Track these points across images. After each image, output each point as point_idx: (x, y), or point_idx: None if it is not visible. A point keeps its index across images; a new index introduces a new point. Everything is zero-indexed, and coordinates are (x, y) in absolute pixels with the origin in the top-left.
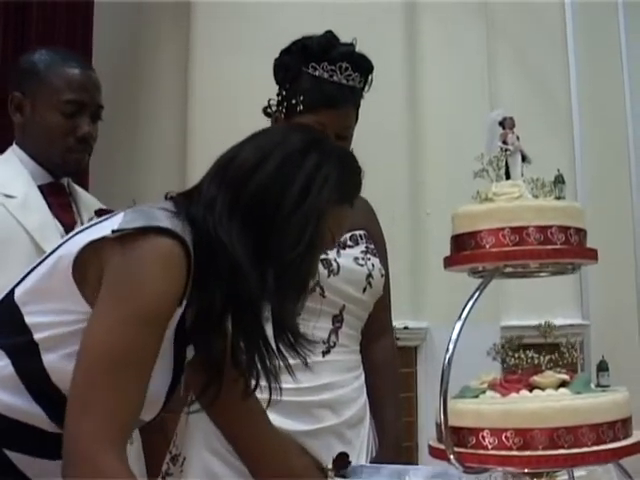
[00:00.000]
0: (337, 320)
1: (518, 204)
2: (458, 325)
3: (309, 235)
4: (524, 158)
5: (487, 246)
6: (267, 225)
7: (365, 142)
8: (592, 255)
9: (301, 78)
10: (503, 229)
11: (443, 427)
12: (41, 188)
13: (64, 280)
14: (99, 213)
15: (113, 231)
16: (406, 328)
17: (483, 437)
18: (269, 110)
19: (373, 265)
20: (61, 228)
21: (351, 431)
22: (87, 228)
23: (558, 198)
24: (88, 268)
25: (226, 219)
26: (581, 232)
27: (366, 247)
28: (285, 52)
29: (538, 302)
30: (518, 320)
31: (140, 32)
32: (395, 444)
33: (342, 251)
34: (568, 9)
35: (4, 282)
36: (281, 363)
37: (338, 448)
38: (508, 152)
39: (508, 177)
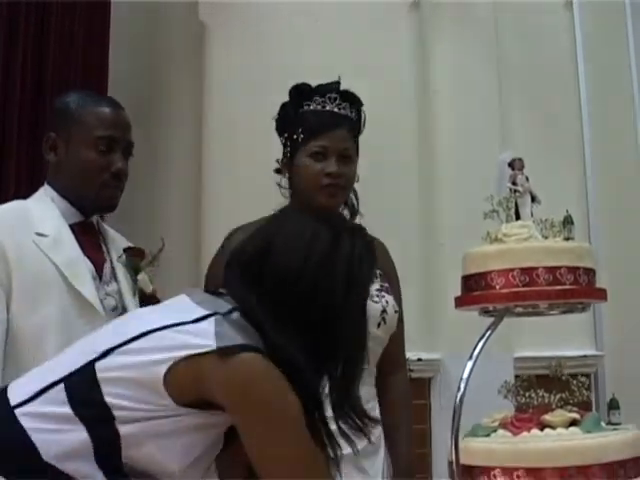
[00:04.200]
0: None
1: (527, 245)
2: (469, 364)
3: (364, 316)
4: (533, 198)
5: (497, 287)
6: (320, 326)
7: (379, 173)
8: (601, 295)
9: (298, 117)
10: (513, 270)
11: (455, 466)
12: (72, 227)
13: (153, 379)
14: (127, 251)
15: (219, 348)
16: (420, 360)
17: (494, 476)
18: (279, 165)
19: (387, 302)
20: (91, 266)
21: (367, 460)
22: (172, 325)
23: (567, 239)
24: (179, 373)
25: (280, 329)
26: (590, 272)
27: (381, 285)
28: (282, 105)
29: (552, 333)
30: (532, 351)
31: (154, 72)
32: (408, 474)
33: None
34: (579, 49)
35: (38, 320)
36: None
37: (354, 477)
38: (517, 193)
39: (518, 217)
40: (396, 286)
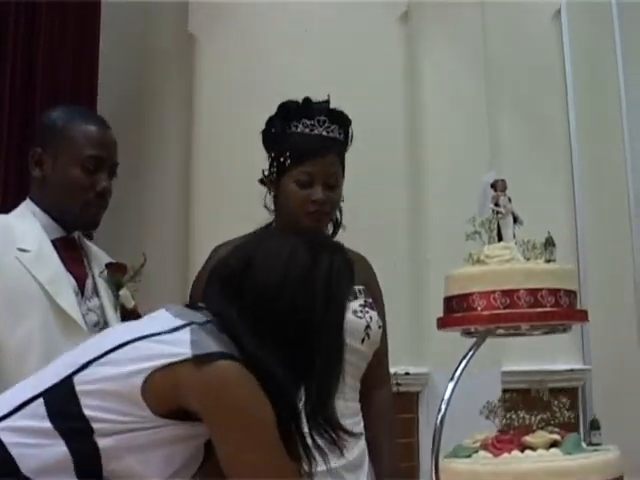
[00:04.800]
0: None
1: (509, 267)
2: (450, 385)
3: (340, 334)
4: (516, 220)
5: (479, 308)
6: (299, 341)
7: (366, 187)
8: (582, 317)
9: (286, 137)
10: (494, 292)
11: None
12: (54, 242)
13: (131, 390)
14: (109, 266)
15: (194, 356)
16: (407, 374)
17: None
18: (264, 179)
19: (371, 318)
20: (73, 282)
21: (350, 474)
22: (148, 336)
23: (548, 261)
24: (157, 382)
25: (258, 342)
26: (571, 294)
27: (364, 301)
28: (269, 120)
29: (539, 347)
30: (519, 365)
31: (143, 85)
32: None
33: None
34: (568, 60)
35: (21, 335)
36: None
37: None
38: (500, 215)
39: (500, 239)
40: (380, 302)
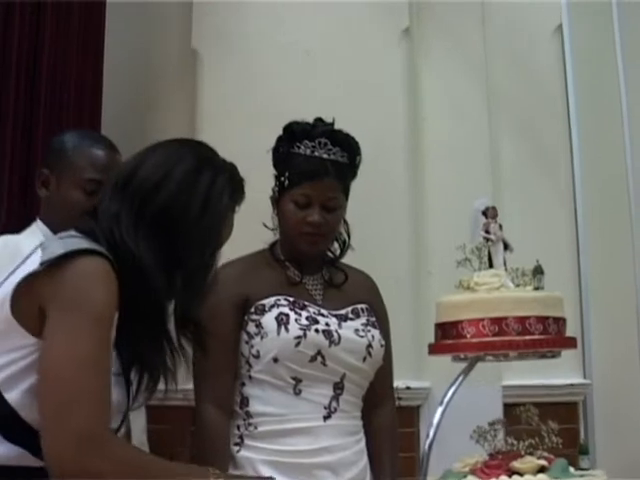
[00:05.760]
0: (338, 387)
1: (498, 295)
2: (439, 410)
3: (213, 240)
4: (506, 246)
5: (468, 336)
6: (173, 236)
7: (368, 202)
8: (571, 343)
9: (288, 158)
10: (483, 319)
11: None
12: None
13: (5, 321)
14: None
15: (41, 264)
16: (408, 388)
17: None
18: (271, 198)
19: (373, 336)
20: None
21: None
22: (12, 273)
23: (537, 288)
24: (24, 303)
25: (132, 231)
26: (560, 321)
27: (367, 320)
28: (278, 139)
29: (539, 362)
30: (520, 379)
31: (146, 101)
32: None
33: (343, 323)
34: (570, 76)
35: None
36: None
37: None
38: (490, 242)
39: (491, 265)
40: (384, 320)
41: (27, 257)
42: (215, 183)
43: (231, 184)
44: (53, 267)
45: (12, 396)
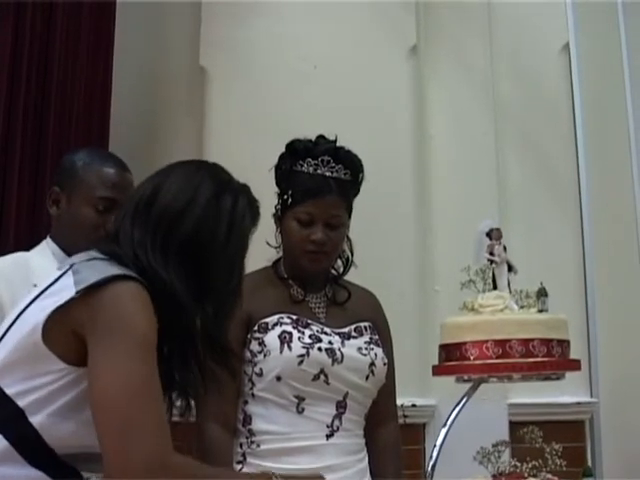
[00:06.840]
0: (341, 406)
1: (502, 317)
2: (443, 431)
3: (239, 264)
4: (510, 268)
5: (471, 357)
6: (201, 262)
7: (375, 220)
8: (574, 366)
9: (291, 176)
10: (487, 341)
11: None
12: None
13: (34, 348)
14: None
15: (77, 292)
16: (414, 406)
17: None
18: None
19: (376, 355)
20: None
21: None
22: (37, 297)
23: (540, 311)
24: (56, 329)
25: (160, 258)
26: (564, 343)
27: (370, 338)
28: (281, 157)
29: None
30: (526, 398)
31: (154, 116)
32: None
33: (346, 341)
34: (577, 93)
35: None
36: None
37: None
38: (494, 264)
39: (495, 287)
40: (387, 338)
41: (56, 279)
42: (237, 207)
43: (250, 206)
44: (88, 292)
45: (37, 420)
